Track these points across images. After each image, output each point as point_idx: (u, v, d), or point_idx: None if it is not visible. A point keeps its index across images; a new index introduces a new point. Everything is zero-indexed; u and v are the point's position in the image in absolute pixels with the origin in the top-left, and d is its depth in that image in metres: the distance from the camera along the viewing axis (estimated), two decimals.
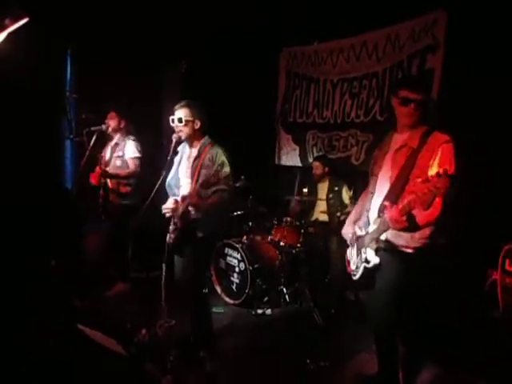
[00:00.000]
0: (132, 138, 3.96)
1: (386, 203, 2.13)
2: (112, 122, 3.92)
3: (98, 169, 3.83)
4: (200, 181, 2.73)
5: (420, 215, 2.03)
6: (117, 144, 3.98)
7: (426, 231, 2.16)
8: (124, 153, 3.92)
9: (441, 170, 1.75)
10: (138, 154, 3.91)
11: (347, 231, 2.57)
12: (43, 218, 3.27)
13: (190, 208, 2.67)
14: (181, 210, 2.70)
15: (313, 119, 5.24)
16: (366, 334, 2.65)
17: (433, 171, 2.02)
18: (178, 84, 5.32)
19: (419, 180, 1.84)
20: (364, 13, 4.23)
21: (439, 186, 1.74)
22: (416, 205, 1.89)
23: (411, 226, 2.04)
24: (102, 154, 4.02)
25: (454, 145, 2.09)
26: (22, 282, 1.99)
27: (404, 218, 2.00)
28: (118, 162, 3.92)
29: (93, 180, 3.85)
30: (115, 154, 3.95)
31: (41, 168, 3.74)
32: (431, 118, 2.28)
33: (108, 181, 3.89)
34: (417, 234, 2.16)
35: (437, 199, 1.92)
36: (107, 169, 3.91)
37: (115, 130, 3.96)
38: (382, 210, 2.19)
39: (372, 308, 2.43)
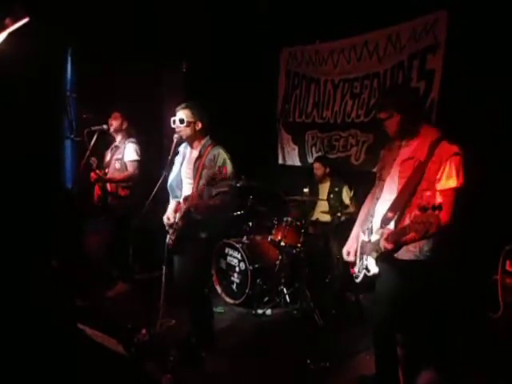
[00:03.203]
0: (132, 140, 3.96)
1: (390, 215, 2.15)
2: (115, 122, 3.93)
3: (92, 174, 3.83)
4: (203, 181, 2.73)
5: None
6: (117, 147, 3.99)
7: (433, 243, 2.17)
8: (123, 155, 3.92)
9: (437, 202, 1.75)
10: (137, 157, 3.91)
11: (350, 246, 2.54)
12: (43, 217, 3.28)
13: (192, 209, 2.68)
14: (183, 210, 2.71)
15: (312, 119, 5.24)
16: (366, 335, 2.65)
17: (441, 186, 2.04)
18: (179, 84, 5.33)
19: (425, 197, 1.83)
20: (365, 13, 4.23)
21: (432, 221, 1.74)
22: (411, 231, 1.91)
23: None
24: (105, 156, 4.03)
25: (463, 154, 2.07)
26: (22, 282, 1.99)
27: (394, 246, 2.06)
28: (117, 165, 3.93)
29: (92, 179, 3.87)
30: (115, 157, 3.96)
31: (41, 168, 3.74)
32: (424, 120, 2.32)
33: (107, 184, 3.90)
34: (425, 247, 2.16)
35: (445, 206, 1.92)
36: (107, 171, 3.92)
37: (117, 131, 3.96)
38: (384, 221, 2.19)
39: (372, 313, 2.43)
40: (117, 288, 4.01)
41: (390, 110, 2.20)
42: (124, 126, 3.98)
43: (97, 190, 3.93)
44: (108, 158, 4.03)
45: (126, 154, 3.91)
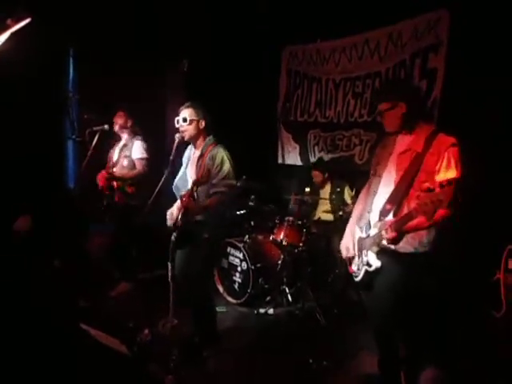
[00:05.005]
0: (139, 138, 4.00)
1: (388, 206, 2.13)
2: (120, 120, 3.97)
3: (104, 173, 3.86)
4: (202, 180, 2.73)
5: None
6: (125, 145, 4.03)
7: (432, 235, 2.16)
8: (131, 153, 3.95)
9: (444, 181, 1.71)
10: (144, 155, 3.95)
11: (347, 241, 2.53)
12: (44, 218, 3.28)
13: (187, 210, 2.66)
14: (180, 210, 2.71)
15: (315, 118, 5.24)
16: (369, 334, 2.65)
17: (440, 177, 2.01)
18: (180, 83, 5.33)
19: (425, 185, 1.80)
20: (365, 11, 4.23)
21: (442, 198, 1.70)
22: (418, 214, 1.87)
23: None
24: (109, 155, 4.07)
25: (460, 147, 2.06)
26: (23, 282, 1.99)
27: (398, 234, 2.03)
28: (125, 162, 3.96)
29: (100, 183, 3.89)
30: (123, 154, 3.99)
31: (43, 168, 3.75)
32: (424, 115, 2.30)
33: (114, 182, 3.91)
34: (425, 239, 2.15)
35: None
36: (114, 169, 3.95)
37: (122, 128, 3.99)
38: (383, 213, 2.18)
39: (373, 309, 2.42)
40: (119, 287, 4.02)
41: (393, 100, 2.16)
42: (129, 124, 4.01)
43: (106, 193, 3.94)
44: (116, 156, 4.05)
45: (134, 151, 3.94)
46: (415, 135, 2.19)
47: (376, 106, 2.27)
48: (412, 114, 2.17)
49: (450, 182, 1.70)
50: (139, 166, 3.93)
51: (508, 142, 3.19)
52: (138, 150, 3.94)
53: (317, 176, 4.48)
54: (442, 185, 1.70)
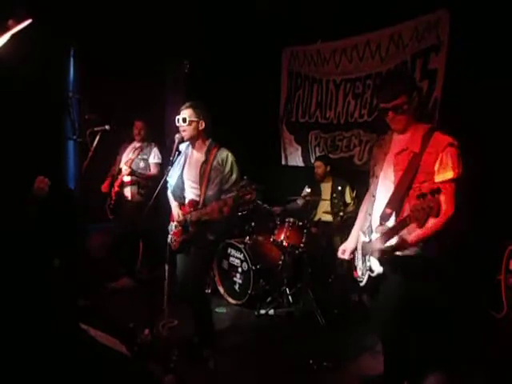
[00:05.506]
0: (156, 144, 4.27)
1: (388, 211, 2.12)
2: (142, 132, 4.21)
3: (129, 170, 4.05)
4: (211, 186, 2.72)
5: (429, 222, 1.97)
6: (141, 147, 4.22)
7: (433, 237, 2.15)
8: (149, 157, 4.20)
9: (435, 188, 1.71)
10: (160, 161, 4.23)
11: (347, 245, 2.53)
12: (44, 217, 3.28)
13: (206, 218, 2.67)
14: (194, 217, 2.70)
15: (315, 119, 5.24)
16: (369, 335, 2.64)
17: (438, 178, 2.01)
18: (181, 84, 5.34)
19: (424, 187, 1.79)
20: (366, 12, 4.23)
21: (432, 205, 1.70)
22: (412, 221, 1.86)
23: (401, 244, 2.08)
24: (118, 157, 4.25)
25: (458, 145, 2.03)
26: (24, 282, 1.99)
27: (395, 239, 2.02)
28: (142, 164, 4.19)
29: (104, 190, 4.14)
30: (140, 156, 4.19)
31: (43, 168, 3.75)
32: (425, 115, 2.27)
33: (125, 178, 4.07)
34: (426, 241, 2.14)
35: (447, 199, 1.89)
36: (133, 166, 4.14)
37: (139, 135, 4.22)
38: (383, 217, 2.16)
39: (378, 314, 2.40)
40: (121, 281, 4.08)
41: (407, 92, 2.10)
42: (147, 132, 4.25)
43: (115, 189, 4.11)
44: (129, 156, 4.20)
45: (152, 156, 4.23)
46: (411, 134, 2.15)
47: (385, 102, 2.15)
48: (410, 110, 2.13)
49: (439, 190, 1.71)
50: (155, 170, 4.20)
51: (508, 141, 3.19)
52: (156, 155, 4.23)
53: (319, 167, 4.45)
54: (432, 192, 1.70)
